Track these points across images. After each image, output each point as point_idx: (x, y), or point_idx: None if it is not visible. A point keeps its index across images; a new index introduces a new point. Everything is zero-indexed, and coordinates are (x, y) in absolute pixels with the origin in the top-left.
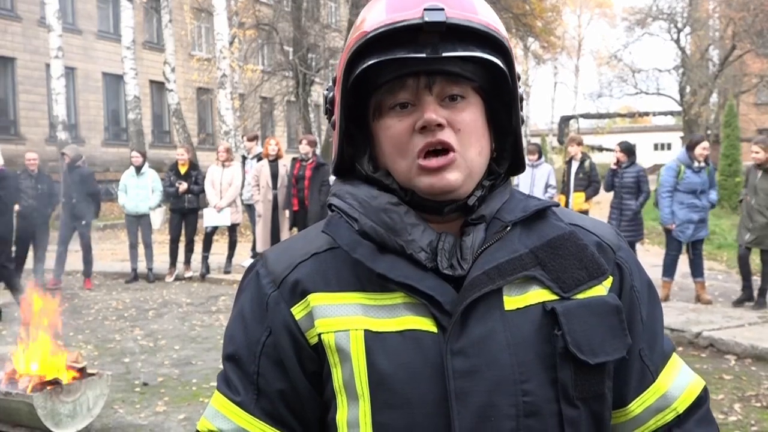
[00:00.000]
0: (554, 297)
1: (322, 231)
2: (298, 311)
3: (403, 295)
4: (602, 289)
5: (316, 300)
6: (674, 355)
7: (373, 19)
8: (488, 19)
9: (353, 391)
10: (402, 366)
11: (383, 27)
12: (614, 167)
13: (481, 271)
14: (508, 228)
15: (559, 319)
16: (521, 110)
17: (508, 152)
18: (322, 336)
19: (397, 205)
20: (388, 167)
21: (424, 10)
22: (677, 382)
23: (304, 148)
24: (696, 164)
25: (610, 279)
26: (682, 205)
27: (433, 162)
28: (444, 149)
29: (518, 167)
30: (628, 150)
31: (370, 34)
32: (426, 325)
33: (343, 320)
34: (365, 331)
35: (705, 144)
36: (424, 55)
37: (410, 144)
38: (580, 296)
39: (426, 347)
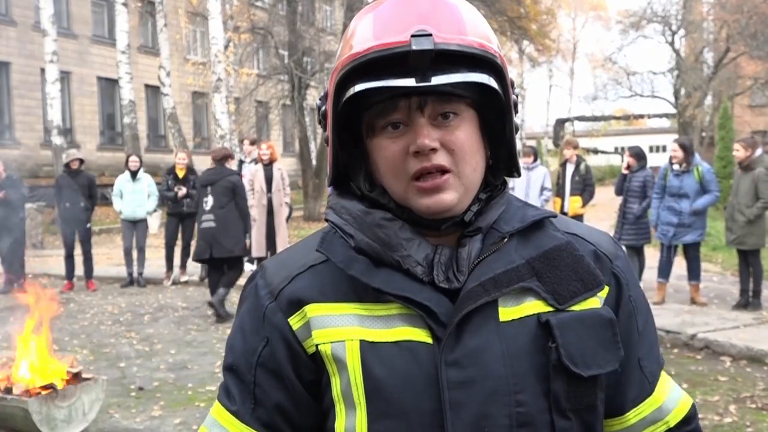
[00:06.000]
0: (549, 308)
1: (316, 249)
2: (295, 321)
3: (398, 306)
4: (597, 301)
5: (313, 311)
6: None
7: (361, 37)
8: (478, 36)
9: (351, 400)
10: (397, 376)
11: (370, 53)
12: (625, 172)
13: (476, 282)
14: (505, 239)
15: (554, 332)
16: (515, 118)
17: (503, 161)
18: (320, 346)
19: (391, 220)
20: (383, 185)
21: (412, 36)
22: (671, 396)
23: None
24: (676, 167)
25: (606, 289)
26: (665, 207)
27: (429, 183)
28: (439, 170)
29: (513, 173)
30: (638, 155)
31: (357, 61)
32: (421, 336)
33: (340, 331)
34: (361, 341)
35: (673, 146)
36: (413, 82)
37: (404, 166)
38: (575, 308)
39: (421, 358)
